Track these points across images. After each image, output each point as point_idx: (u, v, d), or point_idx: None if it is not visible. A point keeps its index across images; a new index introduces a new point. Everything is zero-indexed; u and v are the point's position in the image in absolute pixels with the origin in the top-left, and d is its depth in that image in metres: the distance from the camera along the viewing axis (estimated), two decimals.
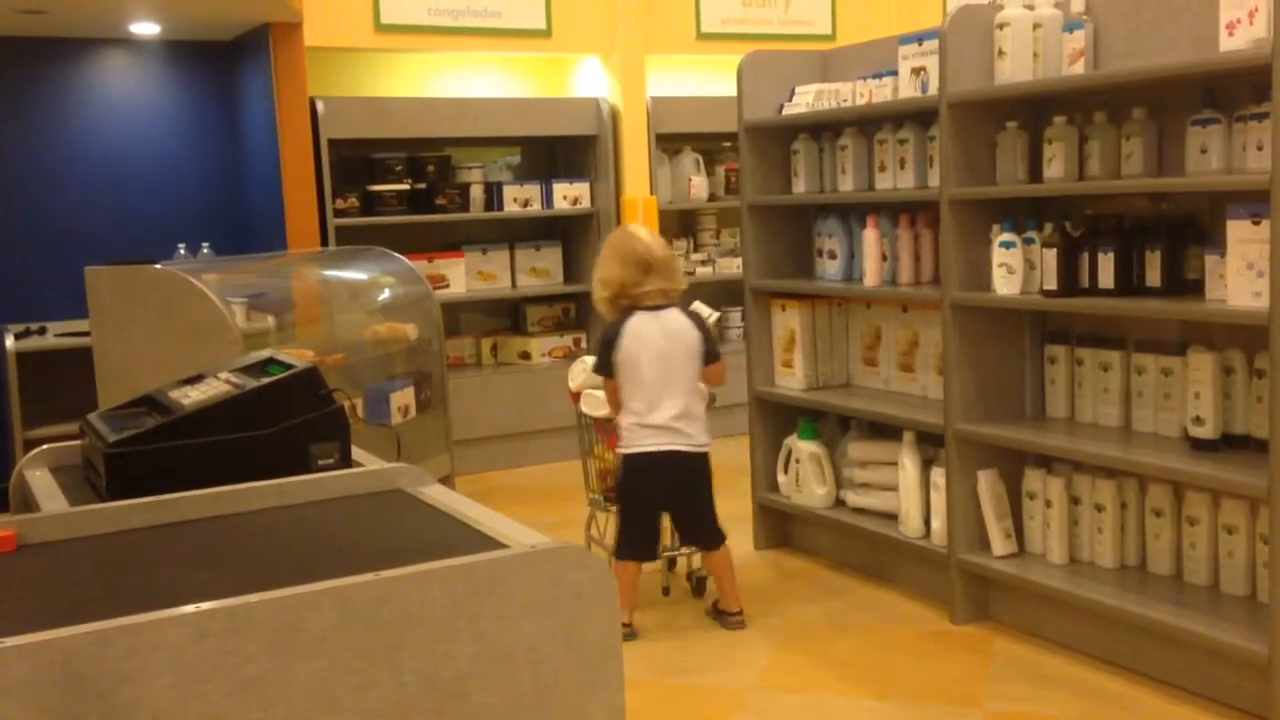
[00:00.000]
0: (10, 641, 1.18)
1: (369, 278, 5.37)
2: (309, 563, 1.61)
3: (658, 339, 3.72)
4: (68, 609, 1.40)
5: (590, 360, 4.36)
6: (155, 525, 1.77)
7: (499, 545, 1.55)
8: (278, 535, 1.74)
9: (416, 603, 1.37)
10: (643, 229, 3.90)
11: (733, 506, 4.96)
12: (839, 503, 4.40)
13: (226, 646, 1.27)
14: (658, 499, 3.82)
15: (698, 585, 4.19)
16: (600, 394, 4.19)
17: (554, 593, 1.45)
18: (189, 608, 1.27)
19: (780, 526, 4.73)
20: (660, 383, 3.71)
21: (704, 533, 3.89)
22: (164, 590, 1.47)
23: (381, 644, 1.35)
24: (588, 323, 6.64)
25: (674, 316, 3.77)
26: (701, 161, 6.84)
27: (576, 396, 4.26)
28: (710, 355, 3.81)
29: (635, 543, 3.82)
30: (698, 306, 4.02)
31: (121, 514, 1.76)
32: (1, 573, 1.58)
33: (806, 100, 4.46)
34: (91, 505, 1.80)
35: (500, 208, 6.32)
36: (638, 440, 3.75)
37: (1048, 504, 3.67)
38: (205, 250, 5.57)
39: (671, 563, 4.29)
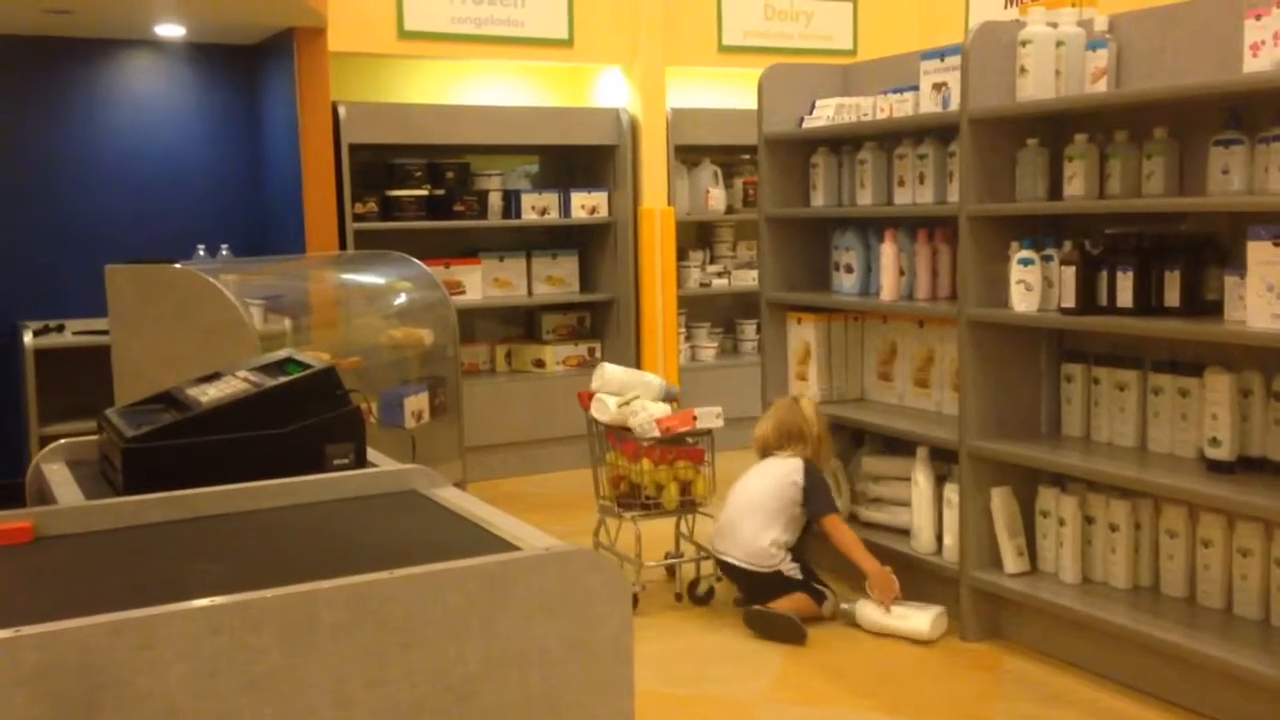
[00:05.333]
0: (26, 631, 1.19)
1: (386, 282, 5.38)
2: (323, 560, 1.61)
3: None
4: (83, 600, 1.40)
5: (609, 367, 4.36)
6: (170, 520, 1.78)
7: (512, 547, 1.56)
8: (292, 533, 1.75)
9: (429, 603, 1.37)
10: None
11: None
12: (851, 517, 4.39)
13: (239, 641, 1.27)
14: None
15: (706, 594, 4.18)
16: (609, 399, 4.19)
17: (566, 596, 1.45)
18: (203, 601, 1.27)
19: None
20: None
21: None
22: (178, 584, 1.48)
23: (394, 643, 1.35)
24: (603, 331, 6.65)
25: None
26: (720, 173, 6.84)
27: (586, 402, 4.27)
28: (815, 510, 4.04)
29: None
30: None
31: (137, 508, 1.77)
32: (18, 564, 1.59)
33: (827, 114, 4.46)
34: (108, 499, 1.81)
35: (518, 215, 6.34)
36: None
37: (1061, 523, 3.65)
38: (224, 251, 5.60)
39: (671, 571, 4.31)
